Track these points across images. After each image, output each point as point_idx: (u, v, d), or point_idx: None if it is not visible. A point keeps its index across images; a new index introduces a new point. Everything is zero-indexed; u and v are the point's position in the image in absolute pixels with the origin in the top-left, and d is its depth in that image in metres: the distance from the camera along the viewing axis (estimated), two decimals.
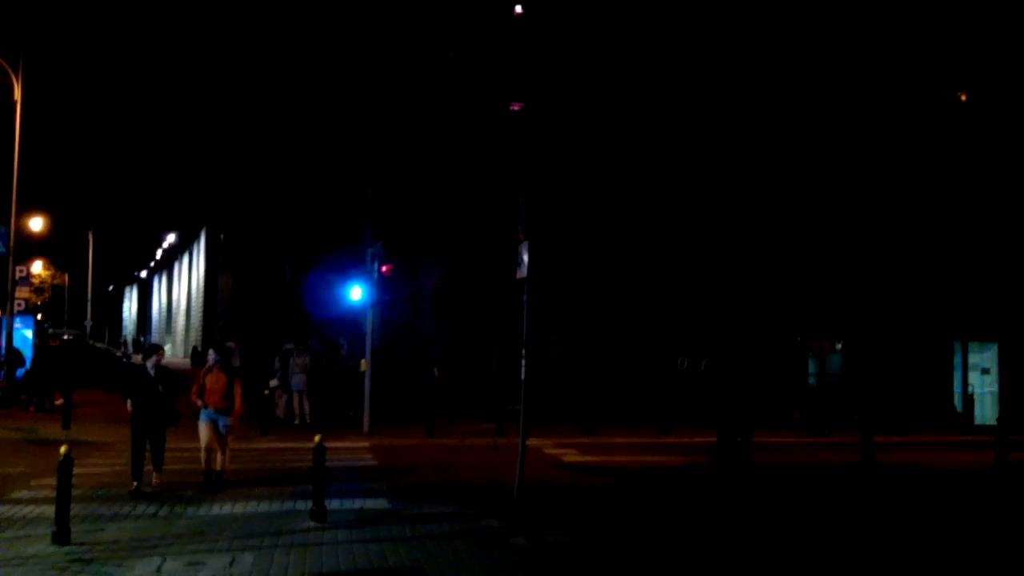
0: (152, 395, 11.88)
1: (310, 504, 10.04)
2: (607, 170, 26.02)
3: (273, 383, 21.46)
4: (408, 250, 26.80)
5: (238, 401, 12.12)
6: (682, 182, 26.33)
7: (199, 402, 12.09)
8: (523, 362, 10.96)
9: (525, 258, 10.72)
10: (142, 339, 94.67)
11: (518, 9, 25.30)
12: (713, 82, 26.32)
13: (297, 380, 21.24)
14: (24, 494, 11.56)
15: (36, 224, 40.02)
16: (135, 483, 11.54)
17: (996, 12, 26.67)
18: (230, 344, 20.09)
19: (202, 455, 12.04)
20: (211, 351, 12.62)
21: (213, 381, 12.11)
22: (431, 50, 27.18)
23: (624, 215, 26.02)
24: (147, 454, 11.90)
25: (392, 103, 28.89)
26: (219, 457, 11.95)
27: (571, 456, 16.41)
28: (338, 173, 32.60)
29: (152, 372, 12.04)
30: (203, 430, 12.02)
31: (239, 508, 10.65)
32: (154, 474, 11.91)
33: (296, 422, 20.85)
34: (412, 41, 27.93)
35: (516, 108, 24.35)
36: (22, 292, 27.89)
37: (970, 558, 9.00)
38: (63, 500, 8.75)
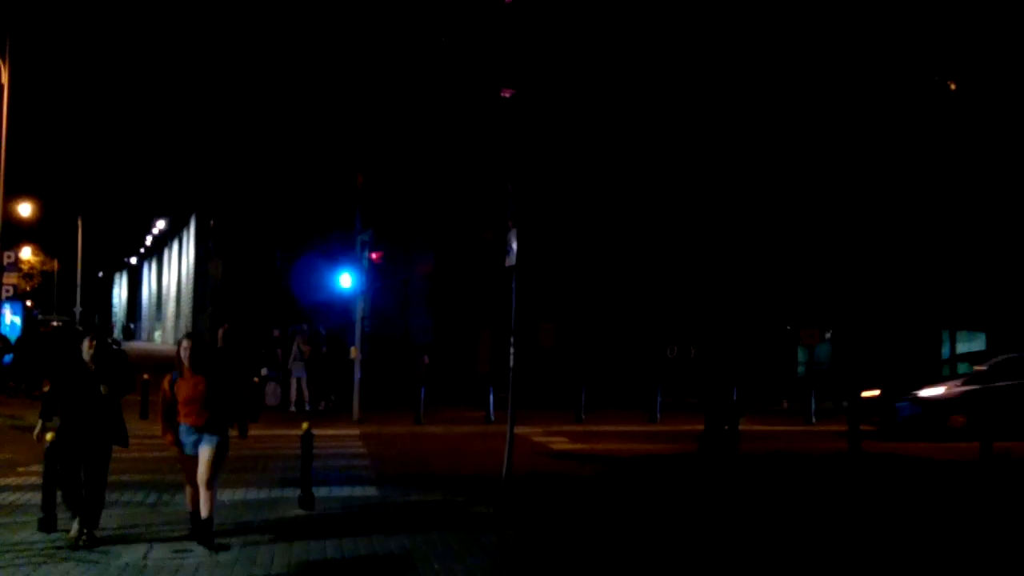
0: (90, 398, 8.20)
1: (298, 492, 10.04)
2: (597, 158, 26.00)
3: (264, 371, 21.44)
4: (398, 237, 26.75)
5: (239, 421, 8.56)
6: (671, 170, 26.33)
7: (169, 437, 8.41)
8: (512, 350, 10.97)
9: (514, 246, 10.73)
10: (132, 326, 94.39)
11: None
12: (703, 68, 26.29)
13: (297, 367, 21.28)
14: (11, 481, 11.54)
15: (25, 210, 39.91)
16: (75, 526, 8.24)
17: (985, 1, 26.69)
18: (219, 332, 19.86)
19: (186, 491, 8.62)
20: (183, 342, 8.41)
21: (188, 390, 8.22)
22: (421, 35, 27.07)
23: (614, 203, 26.02)
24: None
25: (382, 89, 28.77)
26: (203, 497, 8.21)
27: (560, 444, 16.44)
28: (328, 159, 32.50)
29: (91, 363, 8.27)
30: (186, 462, 8.43)
31: (227, 495, 10.63)
32: (83, 532, 8.15)
33: (292, 408, 20.87)
34: (402, 26, 27.80)
35: (506, 95, 24.28)
36: (10, 278, 27.85)
37: (951, 547, 9.06)
38: (49, 487, 8.73)
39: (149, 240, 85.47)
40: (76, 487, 8.24)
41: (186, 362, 8.27)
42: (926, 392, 17.69)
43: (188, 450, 8.32)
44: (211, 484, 8.22)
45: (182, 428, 8.31)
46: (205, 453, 8.21)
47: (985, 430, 14.15)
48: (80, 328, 40.37)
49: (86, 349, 8.32)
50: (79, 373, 8.26)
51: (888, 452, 15.56)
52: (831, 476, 13.22)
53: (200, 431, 8.23)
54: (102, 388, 8.21)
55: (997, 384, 17.36)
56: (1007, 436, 16.06)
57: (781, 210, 26.64)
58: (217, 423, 8.27)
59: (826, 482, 12.67)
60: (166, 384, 8.34)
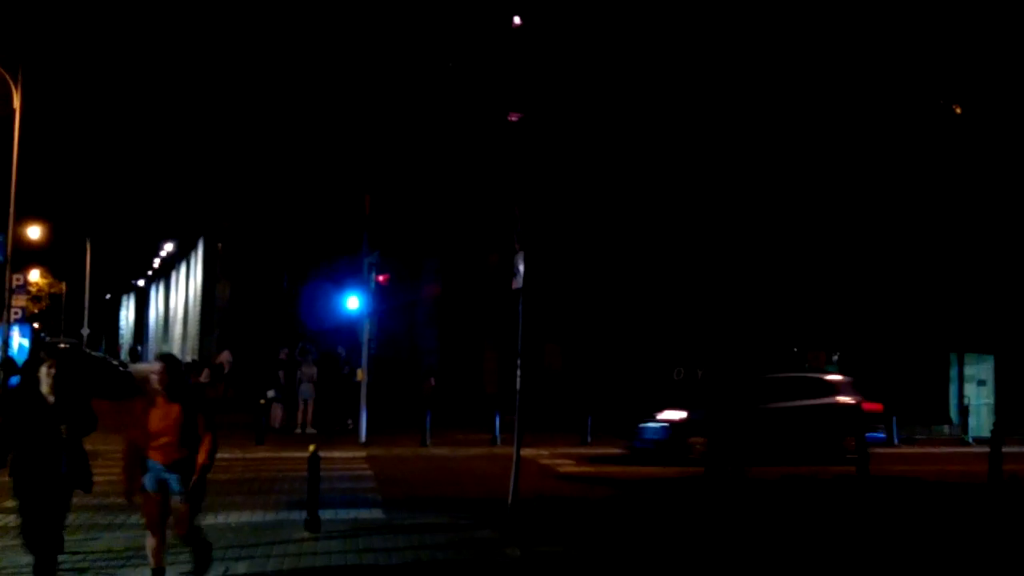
0: (47, 436, 6.86)
1: (304, 514, 10.02)
2: (604, 180, 26.10)
3: (271, 394, 21.44)
4: (405, 260, 26.86)
5: (203, 454, 6.91)
6: (679, 192, 26.41)
7: (127, 483, 7.06)
8: (518, 372, 10.99)
9: (521, 268, 10.77)
10: (139, 348, 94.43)
11: (516, 20, 25.43)
12: (710, 94, 26.41)
13: (304, 389, 21.30)
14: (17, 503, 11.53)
15: (34, 232, 40.11)
16: None
17: (994, 24, 26.79)
18: (222, 358, 19.91)
19: (148, 542, 7.22)
20: (156, 365, 7.12)
21: (159, 418, 6.95)
22: (429, 60, 27.28)
23: (621, 225, 26.09)
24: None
25: (390, 113, 28.97)
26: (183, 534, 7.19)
27: (567, 466, 16.40)
28: (336, 183, 32.70)
29: (50, 395, 6.93)
30: (148, 502, 7.09)
31: (233, 518, 10.63)
32: None
33: (297, 431, 20.87)
34: (411, 51, 28.02)
35: (514, 119, 24.45)
36: (19, 301, 27.88)
37: (965, 570, 9.01)
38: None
39: (157, 263, 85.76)
40: (47, 538, 7.00)
41: (158, 387, 6.99)
42: (667, 414, 17.08)
43: (150, 486, 7.00)
44: (191, 525, 7.08)
45: (148, 463, 7.01)
46: (176, 499, 7.00)
47: (995, 453, 14.08)
48: (87, 350, 40.11)
49: (44, 377, 6.96)
50: (35, 406, 6.90)
51: (897, 475, 15.48)
52: (840, 499, 13.15)
53: (170, 470, 6.94)
54: (62, 429, 6.86)
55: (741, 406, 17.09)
56: (751, 460, 15.85)
57: (788, 232, 26.68)
58: (191, 463, 6.96)
59: (835, 505, 12.60)
60: (139, 407, 7.07)
